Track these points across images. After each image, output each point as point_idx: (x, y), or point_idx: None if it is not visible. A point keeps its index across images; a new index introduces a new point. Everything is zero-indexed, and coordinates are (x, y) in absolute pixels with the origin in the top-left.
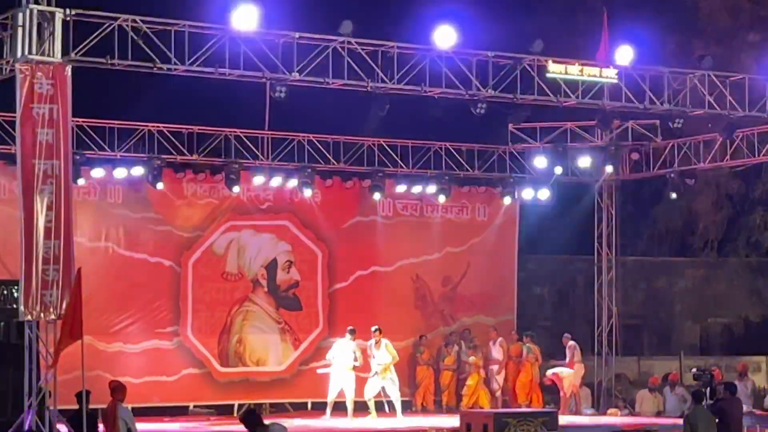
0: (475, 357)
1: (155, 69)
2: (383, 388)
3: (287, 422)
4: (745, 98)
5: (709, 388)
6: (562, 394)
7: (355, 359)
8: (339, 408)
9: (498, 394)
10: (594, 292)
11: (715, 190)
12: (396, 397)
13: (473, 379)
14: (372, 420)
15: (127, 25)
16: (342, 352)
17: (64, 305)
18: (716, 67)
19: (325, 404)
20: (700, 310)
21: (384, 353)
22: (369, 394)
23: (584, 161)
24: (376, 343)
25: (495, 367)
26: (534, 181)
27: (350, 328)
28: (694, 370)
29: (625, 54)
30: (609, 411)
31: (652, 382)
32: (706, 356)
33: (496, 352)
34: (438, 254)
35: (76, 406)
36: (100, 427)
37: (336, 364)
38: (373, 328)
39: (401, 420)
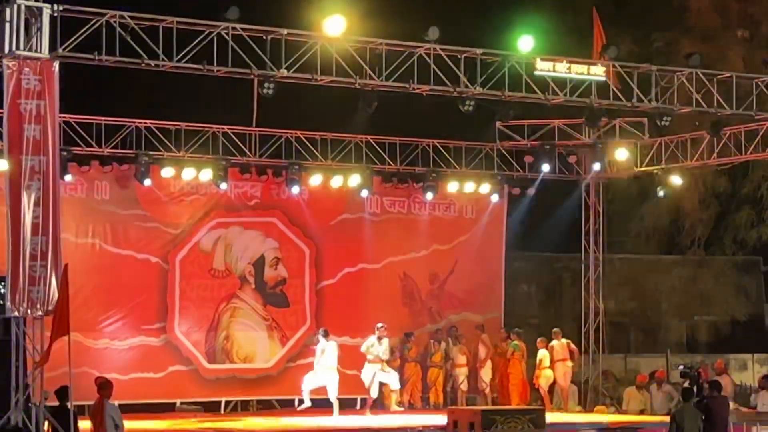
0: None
1: (143, 65)
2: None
3: (274, 420)
4: (732, 96)
5: (696, 386)
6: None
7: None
8: (320, 405)
9: (487, 390)
10: (581, 290)
11: (702, 188)
12: (395, 388)
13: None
14: (363, 417)
15: (114, 21)
16: (325, 353)
17: (52, 301)
18: (704, 65)
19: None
20: (686, 308)
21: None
22: (366, 380)
23: (572, 159)
24: (379, 339)
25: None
26: (521, 178)
27: (323, 329)
28: (681, 367)
29: (612, 51)
30: (596, 408)
31: (639, 379)
32: (693, 354)
33: (482, 350)
34: (425, 251)
35: (57, 403)
36: (80, 423)
37: (322, 365)
38: (378, 325)
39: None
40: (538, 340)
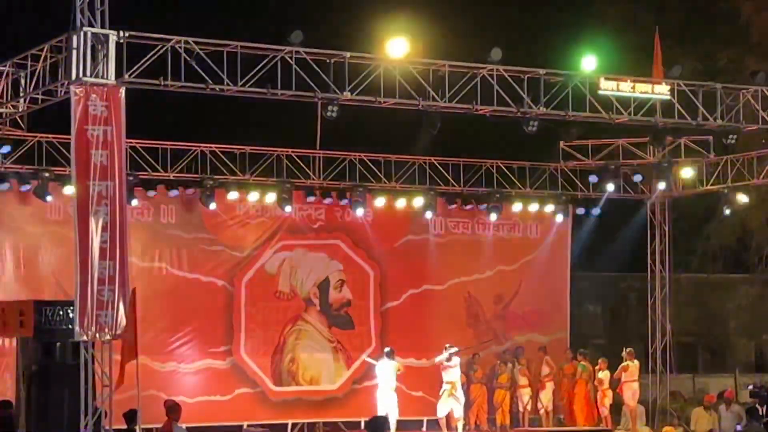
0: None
1: (208, 90)
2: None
3: None
4: None
5: (765, 406)
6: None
7: (398, 371)
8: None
9: (542, 411)
10: (647, 310)
11: None
12: (459, 416)
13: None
14: None
15: (179, 47)
16: (383, 373)
17: (120, 325)
18: None
19: None
20: (754, 327)
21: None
22: (441, 413)
23: (637, 178)
24: (448, 359)
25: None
26: (586, 198)
27: (387, 349)
28: (750, 386)
29: (676, 70)
30: (664, 429)
31: (708, 399)
32: (762, 373)
33: (544, 371)
34: (490, 272)
35: (125, 426)
36: None
37: (380, 386)
38: (447, 346)
39: None
40: (600, 360)
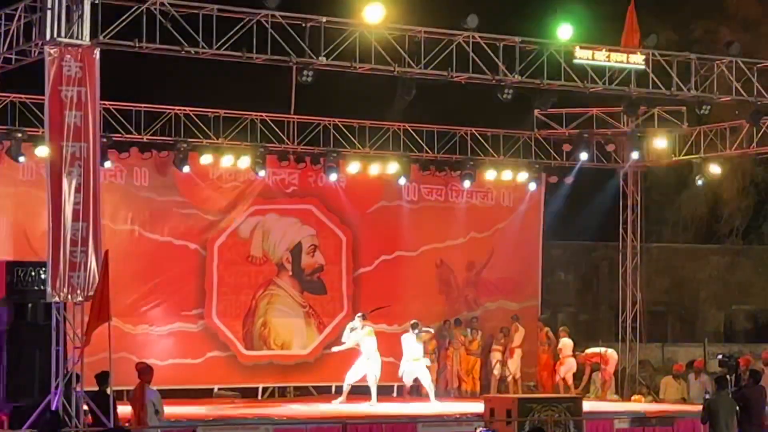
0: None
1: (183, 52)
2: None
3: (311, 407)
4: None
5: (734, 375)
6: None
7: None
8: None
9: (510, 379)
10: (618, 279)
11: (740, 177)
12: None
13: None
14: (401, 404)
15: (155, 9)
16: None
17: (92, 287)
18: (744, 54)
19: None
20: (724, 297)
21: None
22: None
23: (610, 147)
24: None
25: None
26: (559, 166)
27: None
28: (720, 356)
29: (651, 40)
30: (633, 397)
31: (677, 368)
32: (730, 343)
33: (516, 339)
34: (462, 239)
35: (96, 388)
36: (119, 408)
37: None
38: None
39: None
40: (560, 329)
